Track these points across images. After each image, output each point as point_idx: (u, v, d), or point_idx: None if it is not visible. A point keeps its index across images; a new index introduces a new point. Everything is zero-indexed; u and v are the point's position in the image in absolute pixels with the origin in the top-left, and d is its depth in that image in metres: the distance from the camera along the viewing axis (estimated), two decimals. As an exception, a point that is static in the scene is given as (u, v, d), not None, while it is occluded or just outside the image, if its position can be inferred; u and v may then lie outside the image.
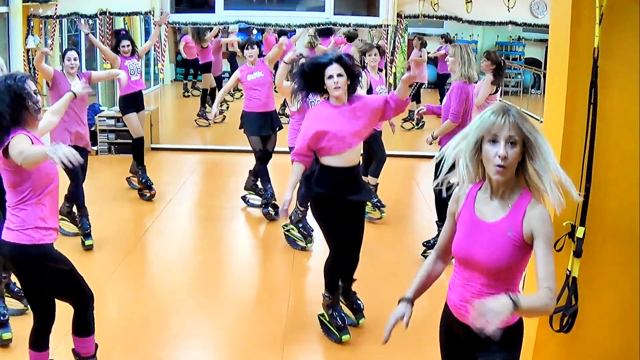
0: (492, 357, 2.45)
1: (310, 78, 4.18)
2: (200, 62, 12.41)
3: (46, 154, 2.85)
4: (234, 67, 13.03)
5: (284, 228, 6.41)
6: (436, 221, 6.04)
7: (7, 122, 3.14)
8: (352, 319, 4.60)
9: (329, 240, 4.44)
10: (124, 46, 7.58)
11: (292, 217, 6.30)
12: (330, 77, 4.10)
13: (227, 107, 12.42)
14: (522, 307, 2.15)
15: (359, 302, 4.61)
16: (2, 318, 4.28)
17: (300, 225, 6.26)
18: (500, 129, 2.30)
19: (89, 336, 3.48)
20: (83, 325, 3.45)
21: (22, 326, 4.38)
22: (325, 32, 11.42)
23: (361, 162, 4.64)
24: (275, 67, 6.79)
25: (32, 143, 3.14)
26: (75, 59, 6.09)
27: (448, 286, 2.61)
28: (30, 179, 3.17)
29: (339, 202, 4.22)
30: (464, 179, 2.43)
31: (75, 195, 6.07)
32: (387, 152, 6.97)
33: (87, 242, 5.97)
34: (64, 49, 7.60)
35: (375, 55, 6.65)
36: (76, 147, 5.64)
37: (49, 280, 3.34)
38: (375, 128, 5.49)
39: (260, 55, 7.10)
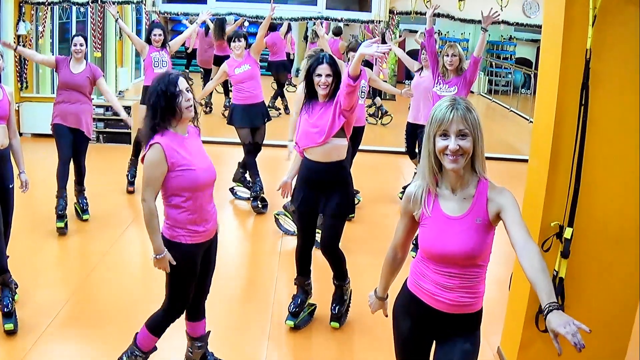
0: (462, 341, 2.56)
1: (308, 75, 4.30)
2: (217, 54, 12.22)
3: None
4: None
5: (276, 216, 6.50)
6: None
7: (152, 123, 3.29)
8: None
9: None
10: (155, 35, 7.33)
11: (288, 207, 6.32)
12: (319, 75, 4.22)
13: (211, 98, 12.31)
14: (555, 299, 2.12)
15: (336, 308, 4.63)
16: (5, 310, 4.26)
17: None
18: (449, 124, 2.35)
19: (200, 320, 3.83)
20: (196, 312, 3.78)
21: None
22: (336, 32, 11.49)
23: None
24: (263, 60, 6.76)
25: (166, 156, 3.24)
26: (81, 45, 6.06)
27: (412, 276, 2.64)
28: (169, 183, 3.33)
29: (298, 190, 4.46)
30: (425, 175, 2.48)
31: (57, 174, 6.04)
32: (374, 148, 6.95)
33: (57, 224, 5.97)
34: (54, 36, 7.48)
35: None
36: (77, 132, 5.90)
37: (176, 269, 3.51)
38: (356, 125, 5.57)
39: (247, 47, 7.07)
